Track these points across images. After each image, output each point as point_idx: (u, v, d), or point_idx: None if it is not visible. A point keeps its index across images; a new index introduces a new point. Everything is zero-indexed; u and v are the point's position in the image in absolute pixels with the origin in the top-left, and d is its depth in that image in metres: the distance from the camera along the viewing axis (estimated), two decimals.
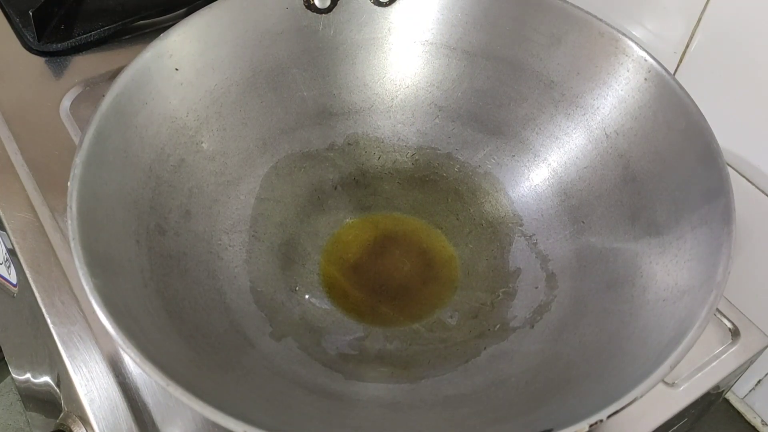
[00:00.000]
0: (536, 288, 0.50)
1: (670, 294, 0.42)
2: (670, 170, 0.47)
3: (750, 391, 0.65)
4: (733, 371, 0.51)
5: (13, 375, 0.75)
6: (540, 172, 0.54)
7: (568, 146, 0.53)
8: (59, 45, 0.64)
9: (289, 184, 0.55)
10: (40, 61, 0.64)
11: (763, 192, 0.55)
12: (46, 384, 0.56)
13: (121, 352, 0.47)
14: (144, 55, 0.47)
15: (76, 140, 0.57)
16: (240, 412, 0.34)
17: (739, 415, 0.67)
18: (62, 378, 0.48)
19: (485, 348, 0.47)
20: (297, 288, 0.50)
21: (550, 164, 0.53)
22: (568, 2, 0.51)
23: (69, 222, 0.40)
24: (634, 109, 0.49)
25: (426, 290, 0.52)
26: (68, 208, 0.40)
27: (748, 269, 0.57)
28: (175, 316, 0.42)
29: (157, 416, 0.45)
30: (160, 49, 0.48)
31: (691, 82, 0.48)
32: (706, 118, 0.45)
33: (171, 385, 0.34)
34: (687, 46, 0.55)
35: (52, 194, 0.55)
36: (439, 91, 0.56)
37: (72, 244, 0.39)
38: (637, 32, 0.58)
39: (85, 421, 0.46)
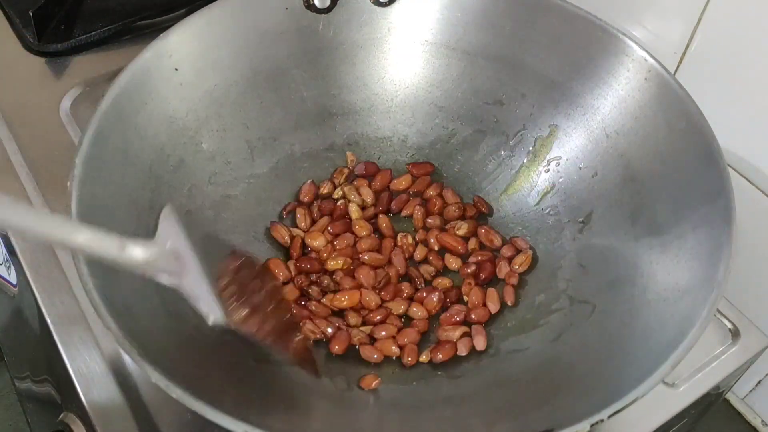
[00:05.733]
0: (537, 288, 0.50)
1: (670, 294, 0.42)
2: (671, 170, 0.47)
3: (750, 391, 0.65)
4: (733, 372, 0.51)
5: (13, 375, 0.75)
6: (540, 172, 0.54)
7: (569, 146, 0.53)
8: (59, 45, 0.64)
9: (289, 184, 0.55)
10: (40, 61, 0.64)
11: (763, 192, 0.55)
12: (46, 384, 0.56)
13: (122, 352, 0.47)
14: (144, 55, 0.47)
15: (76, 140, 0.57)
16: (240, 412, 0.34)
17: (739, 415, 0.67)
18: (62, 378, 0.48)
19: (486, 348, 0.47)
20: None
21: (550, 164, 0.53)
22: (568, 2, 0.51)
23: None
24: (634, 109, 0.49)
25: None
26: (68, 209, 0.40)
27: (748, 269, 0.57)
28: (174, 316, 0.42)
29: (157, 417, 0.45)
30: (160, 49, 0.48)
31: (692, 82, 0.48)
32: (707, 118, 0.45)
33: (171, 386, 0.34)
34: (687, 47, 0.55)
35: (52, 194, 0.55)
36: (439, 91, 0.56)
37: None
38: (637, 32, 0.58)
39: (85, 422, 0.46)
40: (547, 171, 0.54)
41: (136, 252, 0.34)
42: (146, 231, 0.45)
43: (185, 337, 0.42)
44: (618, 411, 0.36)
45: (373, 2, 0.55)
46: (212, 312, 0.36)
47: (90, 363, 0.47)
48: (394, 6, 0.55)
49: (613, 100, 0.50)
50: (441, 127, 0.57)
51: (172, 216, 0.36)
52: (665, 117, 0.48)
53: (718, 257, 0.41)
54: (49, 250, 0.52)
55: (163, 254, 0.35)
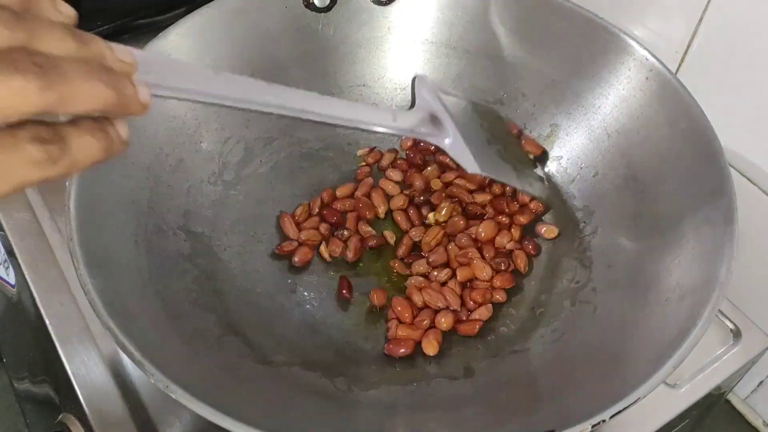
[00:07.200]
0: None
1: (672, 294, 0.42)
2: (672, 170, 0.46)
3: (752, 392, 0.65)
4: (735, 372, 0.51)
5: (12, 376, 0.75)
6: (540, 172, 0.54)
7: (570, 146, 0.53)
8: None
9: (288, 184, 0.55)
10: None
11: (764, 192, 0.55)
12: (45, 385, 0.56)
13: (120, 353, 0.47)
14: None
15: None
16: (240, 413, 0.34)
17: (740, 416, 0.67)
18: (61, 379, 0.48)
19: (486, 349, 0.47)
20: (297, 289, 0.50)
21: (551, 164, 0.53)
22: (569, 1, 0.51)
23: (67, 222, 0.40)
24: (635, 109, 0.49)
25: None
26: (66, 208, 0.40)
27: (750, 270, 0.56)
28: (174, 317, 0.42)
29: (156, 417, 0.45)
30: (159, 48, 0.48)
31: (693, 81, 0.48)
32: (708, 117, 0.45)
33: (171, 387, 0.34)
34: (688, 46, 0.55)
35: (51, 194, 0.54)
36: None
37: (70, 245, 0.39)
38: (638, 32, 0.58)
39: (84, 423, 0.45)
40: (548, 171, 0.53)
41: (405, 121, 0.39)
42: (145, 231, 0.45)
43: (184, 338, 0.41)
44: (620, 412, 0.35)
45: (373, 1, 0.54)
46: (470, 166, 0.42)
47: (88, 363, 0.47)
48: (394, 5, 0.55)
49: (615, 100, 0.50)
50: None
51: (426, 83, 0.41)
52: (666, 116, 0.47)
53: (720, 257, 0.40)
54: (48, 250, 0.52)
55: (425, 120, 0.40)
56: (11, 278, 0.55)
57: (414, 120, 0.40)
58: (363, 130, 0.38)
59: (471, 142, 0.42)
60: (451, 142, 0.41)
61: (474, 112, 0.46)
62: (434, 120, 0.41)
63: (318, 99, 0.35)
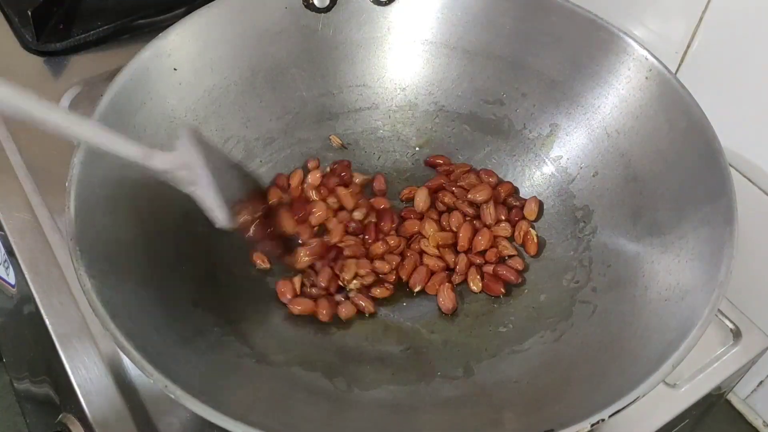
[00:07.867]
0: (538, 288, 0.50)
1: (672, 294, 0.42)
2: (672, 170, 0.46)
3: (751, 392, 0.65)
4: (735, 372, 0.51)
5: (12, 376, 0.75)
6: (540, 171, 0.54)
7: (569, 146, 0.53)
8: (58, 45, 0.64)
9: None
10: (38, 60, 0.64)
11: (764, 192, 0.55)
12: (45, 385, 0.56)
13: (120, 353, 0.47)
14: (142, 54, 0.47)
15: (75, 141, 0.57)
16: (240, 413, 0.34)
17: (740, 416, 0.67)
18: (61, 379, 0.48)
19: (486, 349, 0.47)
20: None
21: (550, 164, 0.53)
22: (569, 1, 0.51)
23: (67, 222, 0.40)
24: (635, 108, 0.49)
25: None
26: (66, 209, 0.40)
27: (749, 270, 0.56)
28: (174, 317, 0.42)
29: (156, 417, 0.45)
30: (159, 48, 0.48)
31: (693, 81, 0.48)
32: (708, 117, 0.45)
33: (170, 387, 0.34)
34: (688, 46, 0.55)
35: (51, 194, 0.54)
36: (439, 91, 0.56)
37: (70, 245, 0.39)
38: (638, 32, 0.58)
39: (84, 423, 0.45)
40: (547, 171, 0.53)
41: (159, 161, 0.39)
42: (145, 231, 0.45)
43: (184, 338, 0.41)
44: (619, 411, 0.35)
45: (372, 1, 0.54)
46: (219, 217, 0.42)
47: (88, 363, 0.47)
48: (394, 5, 0.55)
49: (614, 100, 0.50)
50: (441, 126, 0.57)
51: (190, 136, 0.41)
52: (666, 116, 0.47)
53: (720, 257, 0.40)
54: (48, 250, 0.52)
55: (181, 165, 0.40)
56: (11, 278, 0.55)
57: (169, 162, 0.40)
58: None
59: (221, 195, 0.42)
60: (204, 191, 0.41)
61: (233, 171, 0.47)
62: (190, 167, 0.41)
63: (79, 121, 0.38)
